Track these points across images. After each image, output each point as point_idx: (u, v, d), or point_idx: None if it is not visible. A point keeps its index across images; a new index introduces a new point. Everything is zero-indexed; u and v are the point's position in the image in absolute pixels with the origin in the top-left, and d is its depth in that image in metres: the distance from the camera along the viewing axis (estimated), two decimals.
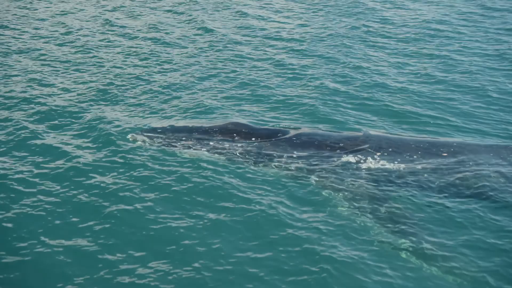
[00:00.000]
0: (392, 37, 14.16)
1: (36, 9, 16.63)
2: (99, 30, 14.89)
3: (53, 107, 10.14)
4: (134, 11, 16.59)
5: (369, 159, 8.07)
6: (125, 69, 12.20)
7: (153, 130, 8.95)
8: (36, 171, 8.13)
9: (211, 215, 7.16)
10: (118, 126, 9.44)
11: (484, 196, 7.50)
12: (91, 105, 10.35)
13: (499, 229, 6.95)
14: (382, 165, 7.99)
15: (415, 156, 8.10)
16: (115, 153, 8.56)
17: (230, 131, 8.60)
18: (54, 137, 9.09)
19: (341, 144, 8.31)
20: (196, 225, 6.99)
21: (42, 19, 15.72)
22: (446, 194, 7.56)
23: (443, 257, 6.44)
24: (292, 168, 8.05)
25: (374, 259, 6.45)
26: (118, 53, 13.19)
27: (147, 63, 12.55)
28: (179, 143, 8.54)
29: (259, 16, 16.06)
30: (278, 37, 14.21)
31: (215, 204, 7.38)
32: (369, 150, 8.18)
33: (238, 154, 8.31)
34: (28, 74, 11.74)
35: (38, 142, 8.91)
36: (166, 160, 8.33)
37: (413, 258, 6.45)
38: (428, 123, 9.70)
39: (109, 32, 14.71)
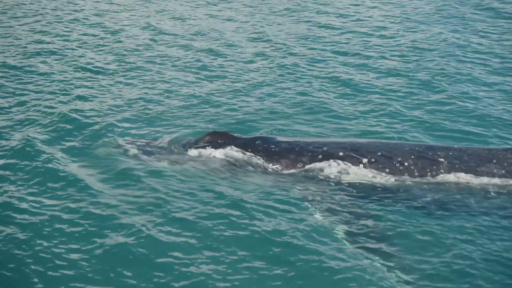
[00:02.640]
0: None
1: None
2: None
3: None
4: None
5: (355, 165, 7.49)
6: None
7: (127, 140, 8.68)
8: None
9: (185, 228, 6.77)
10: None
11: (479, 210, 6.88)
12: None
13: (497, 252, 6.20)
14: (369, 172, 7.42)
15: (407, 162, 7.46)
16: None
17: (208, 142, 8.23)
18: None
19: (325, 149, 7.73)
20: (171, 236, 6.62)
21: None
22: (438, 206, 6.98)
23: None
24: (273, 177, 7.61)
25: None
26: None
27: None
28: (153, 154, 8.22)
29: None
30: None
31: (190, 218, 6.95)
32: (355, 155, 7.58)
33: (215, 164, 7.95)
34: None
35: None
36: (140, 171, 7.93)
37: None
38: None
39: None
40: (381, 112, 10.11)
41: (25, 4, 17.14)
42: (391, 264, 6.03)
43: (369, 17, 16.35)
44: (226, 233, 6.64)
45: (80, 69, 12.16)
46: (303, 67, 12.43)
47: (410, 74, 11.90)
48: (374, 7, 17.36)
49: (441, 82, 11.44)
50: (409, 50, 13.49)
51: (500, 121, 9.67)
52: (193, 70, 12.33)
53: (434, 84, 11.36)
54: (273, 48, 13.70)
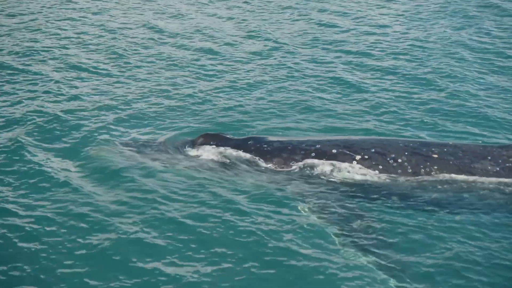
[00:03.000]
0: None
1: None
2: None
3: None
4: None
5: (348, 163, 7.43)
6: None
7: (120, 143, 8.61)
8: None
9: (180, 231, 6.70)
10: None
11: (478, 208, 6.76)
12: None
13: (495, 251, 6.08)
14: (362, 169, 7.36)
15: (400, 159, 7.38)
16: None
17: (201, 144, 8.20)
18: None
19: (318, 147, 7.66)
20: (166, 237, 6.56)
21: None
22: (433, 203, 6.90)
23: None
24: (266, 177, 7.54)
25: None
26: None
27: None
28: (148, 155, 8.14)
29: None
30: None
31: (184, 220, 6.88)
32: (349, 152, 7.50)
33: (209, 166, 7.89)
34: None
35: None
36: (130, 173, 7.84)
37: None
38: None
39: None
40: (383, 110, 10.05)
41: (23, 3, 17.06)
42: (388, 263, 5.96)
43: (370, 15, 16.23)
44: (220, 234, 6.60)
45: (75, 69, 12.11)
46: (303, 66, 12.34)
47: (413, 73, 11.80)
48: (376, 5, 17.22)
49: (444, 81, 11.34)
50: (412, 48, 13.35)
51: (505, 121, 9.58)
52: (190, 69, 12.24)
53: (438, 83, 11.26)
54: (272, 47, 13.61)
